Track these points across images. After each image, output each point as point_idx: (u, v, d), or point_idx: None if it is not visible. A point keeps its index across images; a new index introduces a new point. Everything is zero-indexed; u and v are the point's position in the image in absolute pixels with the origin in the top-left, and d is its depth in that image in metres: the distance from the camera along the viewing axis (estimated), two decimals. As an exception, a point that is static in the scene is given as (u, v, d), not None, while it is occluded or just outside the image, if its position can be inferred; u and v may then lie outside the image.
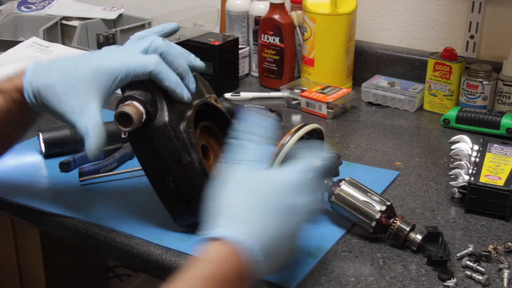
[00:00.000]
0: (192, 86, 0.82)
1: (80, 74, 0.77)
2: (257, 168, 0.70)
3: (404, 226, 0.82)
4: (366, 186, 0.85)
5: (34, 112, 0.83)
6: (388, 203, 0.83)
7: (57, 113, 0.78)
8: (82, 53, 0.82)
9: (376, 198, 0.83)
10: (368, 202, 0.82)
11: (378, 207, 0.82)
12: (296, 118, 1.28)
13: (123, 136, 1.01)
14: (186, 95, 0.80)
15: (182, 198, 0.80)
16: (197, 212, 0.77)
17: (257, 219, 0.65)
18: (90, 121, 0.75)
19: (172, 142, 0.78)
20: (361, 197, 0.83)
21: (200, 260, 0.63)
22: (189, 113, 0.82)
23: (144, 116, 0.77)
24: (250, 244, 0.63)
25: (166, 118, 0.78)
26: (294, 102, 1.31)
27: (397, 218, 0.82)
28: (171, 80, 0.79)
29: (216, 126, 0.91)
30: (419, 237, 0.81)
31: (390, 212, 0.82)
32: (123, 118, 0.76)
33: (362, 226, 0.83)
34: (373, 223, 0.82)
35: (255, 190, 0.68)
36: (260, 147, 0.72)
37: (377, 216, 0.82)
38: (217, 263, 0.62)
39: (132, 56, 0.78)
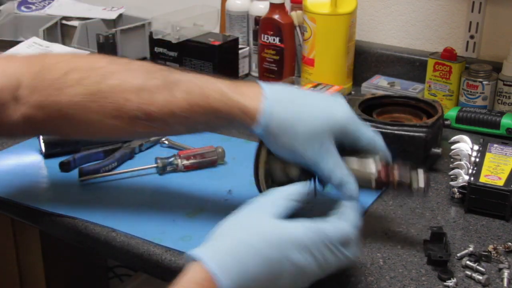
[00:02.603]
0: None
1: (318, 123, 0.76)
2: (273, 215, 0.68)
3: (404, 177, 0.79)
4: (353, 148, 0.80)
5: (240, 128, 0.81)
6: (382, 163, 0.80)
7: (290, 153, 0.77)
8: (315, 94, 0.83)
9: (369, 159, 0.80)
10: (361, 171, 0.79)
11: (373, 169, 0.79)
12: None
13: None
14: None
15: None
16: None
17: (240, 257, 0.64)
18: (342, 170, 0.76)
19: None
20: (354, 165, 0.79)
21: (180, 281, 0.63)
22: None
23: None
24: (220, 275, 0.62)
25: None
26: None
27: (395, 170, 0.79)
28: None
29: None
30: (422, 183, 0.79)
31: (386, 166, 0.79)
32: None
33: (364, 188, 0.80)
34: (373, 184, 0.79)
35: (258, 230, 0.66)
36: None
37: (374, 177, 0.79)
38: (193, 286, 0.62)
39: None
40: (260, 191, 0.80)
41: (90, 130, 0.83)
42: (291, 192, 0.72)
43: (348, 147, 0.79)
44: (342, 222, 0.70)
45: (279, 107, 0.76)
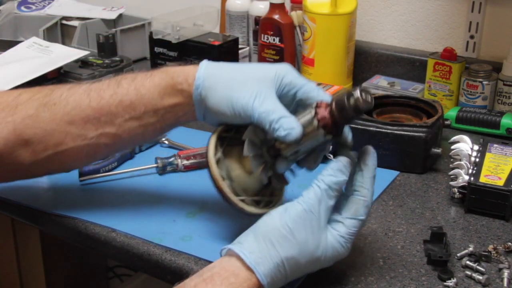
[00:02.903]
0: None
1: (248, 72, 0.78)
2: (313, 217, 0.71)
3: (340, 99, 0.73)
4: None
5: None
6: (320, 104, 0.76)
7: (220, 107, 0.78)
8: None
9: (307, 109, 0.76)
10: (302, 119, 0.75)
11: (312, 112, 0.75)
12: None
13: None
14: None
15: None
16: None
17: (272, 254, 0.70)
18: (282, 111, 0.74)
19: None
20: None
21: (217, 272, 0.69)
22: None
23: None
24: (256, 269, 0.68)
25: None
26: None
27: (332, 102, 0.74)
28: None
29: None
30: (357, 93, 0.72)
31: (325, 105, 0.75)
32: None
33: (315, 136, 0.76)
34: (316, 123, 0.74)
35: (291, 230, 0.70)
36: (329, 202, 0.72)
37: (315, 117, 0.74)
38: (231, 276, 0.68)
39: None
40: (220, 191, 0.78)
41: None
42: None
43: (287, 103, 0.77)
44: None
45: (215, 65, 0.81)
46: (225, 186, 0.76)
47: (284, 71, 0.78)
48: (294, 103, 0.78)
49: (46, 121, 0.82)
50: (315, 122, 0.74)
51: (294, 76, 0.78)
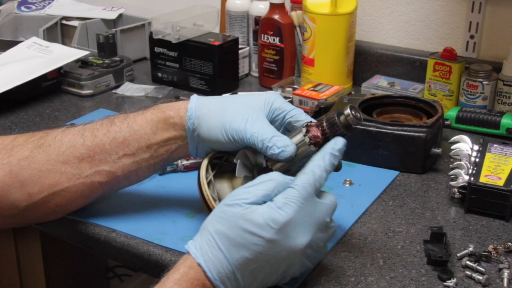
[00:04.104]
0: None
1: (240, 101, 0.82)
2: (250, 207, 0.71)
3: (331, 118, 0.76)
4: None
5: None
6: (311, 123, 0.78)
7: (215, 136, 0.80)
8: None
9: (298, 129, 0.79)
10: (294, 138, 0.77)
11: (303, 131, 0.77)
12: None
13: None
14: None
15: None
16: None
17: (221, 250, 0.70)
18: (273, 131, 0.77)
19: None
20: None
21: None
22: None
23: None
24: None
25: None
26: (287, 100, 1.31)
27: (323, 121, 0.77)
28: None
29: None
30: (347, 111, 0.75)
31: (315, 124, 0.78)
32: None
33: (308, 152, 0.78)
34: (307, 140, 0.76)
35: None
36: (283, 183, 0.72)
37: (306, 135, 0.77)
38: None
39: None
40: (209, 209, 0.79)
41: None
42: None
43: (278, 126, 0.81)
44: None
45: (206, 98, 0.84)
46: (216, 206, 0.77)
47: (273, 97, 0.82)
48: (282, 128, 0.82)
49: (41, 162, 0.83)
50: (307, 139, 0.76)
51: (282, 102, 0.82)
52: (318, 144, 0.76)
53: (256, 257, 0.69)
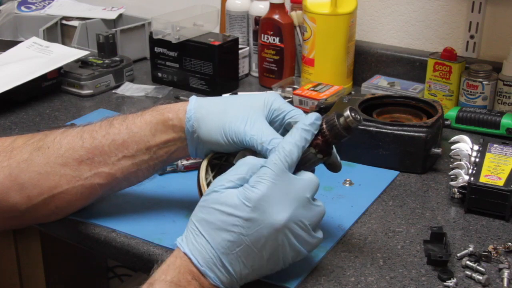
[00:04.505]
0: None
1: (240, 101, 0.82)
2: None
3: (331, 120, 0.76)
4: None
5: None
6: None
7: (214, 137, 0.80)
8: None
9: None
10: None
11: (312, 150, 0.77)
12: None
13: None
14: None
15: None
16: None
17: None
18: (274, 133, 0.77)
19: None
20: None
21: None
22: None
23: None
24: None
25: None
26: (287, 100, 1.31)
27: (323, 125, 0.76)
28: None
29: None
30: (346, 112, 0.75)
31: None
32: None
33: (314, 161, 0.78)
34: (320, 156, 0.76)
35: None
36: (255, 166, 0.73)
37: (315, 151, 0.76)
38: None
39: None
40: None
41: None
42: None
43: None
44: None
45: (205, 99, 0.83)
46: None
47: (272, 98, 0.82)
48: (282, 128, 0.82)
49: (41, 164, 0.83)
50: (312, 149, 0.76)
51: (282, 102, 0.82)
52: (318, 146, 0.76)
53: (238, 239, 0.70)
